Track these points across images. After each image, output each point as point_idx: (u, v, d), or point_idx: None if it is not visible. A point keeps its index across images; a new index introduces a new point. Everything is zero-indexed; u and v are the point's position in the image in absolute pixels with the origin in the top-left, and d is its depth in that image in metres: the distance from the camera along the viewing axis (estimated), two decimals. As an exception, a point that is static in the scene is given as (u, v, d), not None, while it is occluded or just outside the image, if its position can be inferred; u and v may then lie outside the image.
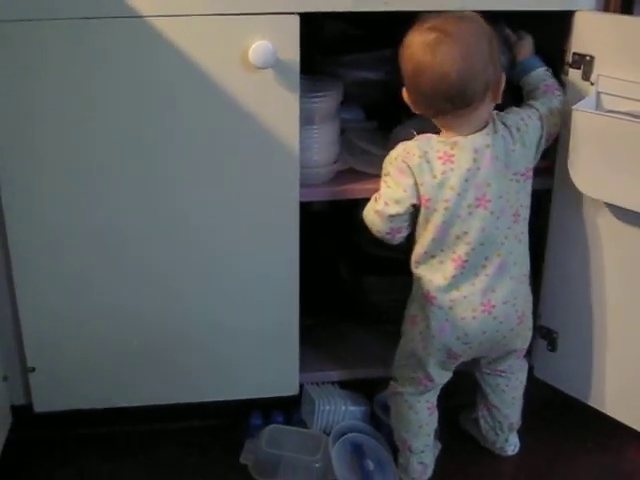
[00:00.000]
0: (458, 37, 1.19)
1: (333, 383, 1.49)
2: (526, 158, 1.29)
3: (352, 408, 1.45)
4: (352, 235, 1.65)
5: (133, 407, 1.42)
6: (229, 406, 1.46)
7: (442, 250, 1.27)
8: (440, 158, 1.25)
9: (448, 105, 1.22)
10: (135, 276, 1.34)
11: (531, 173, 1.30)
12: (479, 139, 1.25)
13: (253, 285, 1.37)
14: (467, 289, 1.27)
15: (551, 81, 1.34)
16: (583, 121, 1.24)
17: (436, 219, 1.26)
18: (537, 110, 1.31)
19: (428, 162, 1.25)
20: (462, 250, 1.26)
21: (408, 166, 1.25)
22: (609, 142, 1.21)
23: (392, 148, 1.30)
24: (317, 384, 1.48)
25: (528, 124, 1.29)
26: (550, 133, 1.31)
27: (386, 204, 1.28)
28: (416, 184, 1.25)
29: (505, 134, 1.26)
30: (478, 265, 1.27)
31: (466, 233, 1.25)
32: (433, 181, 1.25)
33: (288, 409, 1.48)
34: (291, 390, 1.45)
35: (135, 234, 1.31)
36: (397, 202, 1.27)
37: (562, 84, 1.34)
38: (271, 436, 1.38)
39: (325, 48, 1.55)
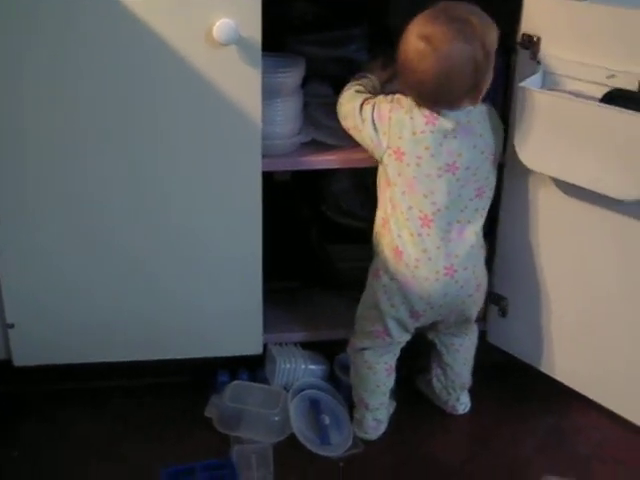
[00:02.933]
0: (443, 56, 1.27)
1: (295, 344, 1.57)
2: (498, 145, 1.39)
3: (312, 367, 1.53)
4: (319, 205, 1.72)
5: (108, 363, 1.51)
6: (198, 364, 1.55)
7: (410, 207, 1.35)
8: (425, 117, 1.33)
9: (428, 102, 1.32)
10: (106, 245, 1.42)
11: (497, 159, 1.40)
12: (462, 115, 1.34)
13: (219, 250, 1.45)
14: (432, 251, 1.36)
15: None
16: (528, 98, 1.31)
17: (407, 173, 1.35)
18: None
19: (412, 118, 1.34)
20: (428, 209, 1.35)
21: (389, 118, 1.35)
22: (552, 119, 1.29)
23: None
24: (280, 344, 1.56)
25: (501, 124, 1.40)
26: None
27: (364, 121, 1.38)
28: (382, 136, 1.35)
29: (486, 119, 1.36)
30: (442, 228, 1.36)
31: (432, 193, 1.34)
32: (412, 137, 1.34)
33: (253, 368, 1.57)
34: (255, 349, 1.53)
35: (101, 201, 1.39)
36: (375, 130, 1.37)
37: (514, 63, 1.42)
38: (234, 391, 1.47)
39: (295, 28, 1.63)
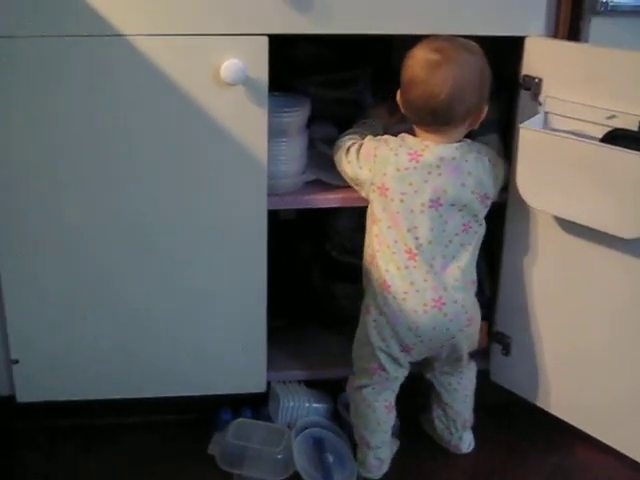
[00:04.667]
0: (456, 64, 1.32)
1: (299, 382, 1.57)
2: (490, 186, 1.41)
3: (315, 405, 1.53)
4: (324, 244, 1.74)
5: (110, 400, 1.51)
6: (201, 402, 1.54)
7: (396, 241, 1.38)
8: (409, 154, 1.37)
9: (429, 119, 1.35)
10: (106, 280, 1.43)
11: (489, 201, 1.41)
12: (448, 150, 1.37)
13: (224, 289, 1.46)
14: (420, 284, 1.37)
15: (502, 147, 1.47)
16: (528, 138, 1.33)
17: (392, 208, 1.38)
18: (495, 164, 1.43)
19: (396, 155, 1.38)
20: (412, 244, 1.37)
21: (374, 155, 1.39)
22: (552, 158, 1.31)
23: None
24: (284, 382, 1.56)
25: (494, 165, 1.42)
26: (500, 185, 1.44)
27: (349, 162, 1.43)
28: (367, 173, 1.40)
29: (478, 157, 1.39)
30: (427, 262, 1.38)
31: (416, 228, 1.37)
32: (396, 173, 1.37)
33: (256, 405, 1.56)
34: (259, 387, 1.53)
35: (103, 243, 1.40)
36: (360, 168, 1.42)
37: (517, 104, 1.44)
38: (237, 429, 1.47)
39: (300, 69, 1.66)
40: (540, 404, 1.53)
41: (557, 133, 1.30)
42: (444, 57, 1.32)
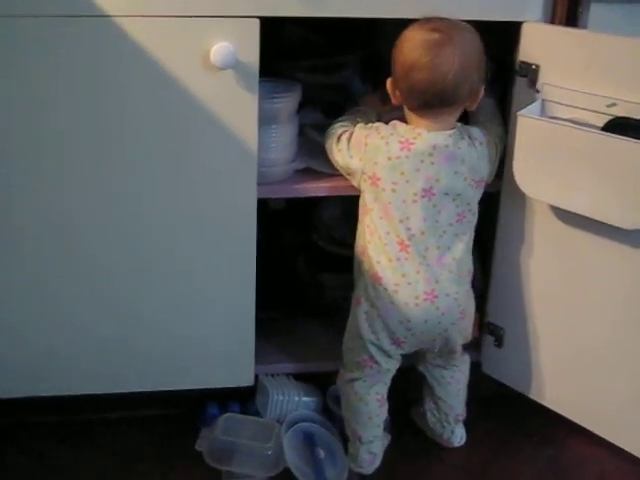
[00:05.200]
0: (458, 42, 1.28)
1: (287, 375, 1.54)
2: (484, 169, 1.37)
3: (305, 399, 1.50)
4: (311, 233, 1.70)
5: (94, 395, 1.47)
6: (187, 396, 1.50)
7: (388, 232, 1.34)
8: (400, 142, 1.33)
9: (436, 101, 1.30)
10: (91, 270, 1.38)
11: (484, 184, 1.38)
12: (441, 137, 1.33)
13: (211, 279, 1.42)
14: (412, 276, 1.34)
15: (498, 112, 1.44)
16: (526, 126, 1.30)
17: (383, 198, 1.34)
18: (489, 133, 1.39)
19: (387, 144, 1.33)
20: (404, 235, 1.34)
21: (365, 144, 1.34)
22: (552, 147, 1.28)
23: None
24: (272, 375, 1.52)
25: (488, 141, 1.38)
26: (499, 154, 1.40)
27: (339, 151, 1.39)
28: (358, 162, 1.35)
29: (470, 143, 1.35)
30: (420, 253, 1.34)
31: (408, 218, 1.33)
32: (387, 162, 1.33)
33: (244, 399, 1.52)
34: (247, 381, 1.49)
35: (91, 228, 1.35)
36: (350, 157, 1.37)
37: (512, 91, 1.41)
38: (226, 424, 1.43)
39: (287, 53, 1.61)
40: (533, 396, 1.51)
41: (556, 121, 1.28)
42: (445, 36, 1.28)
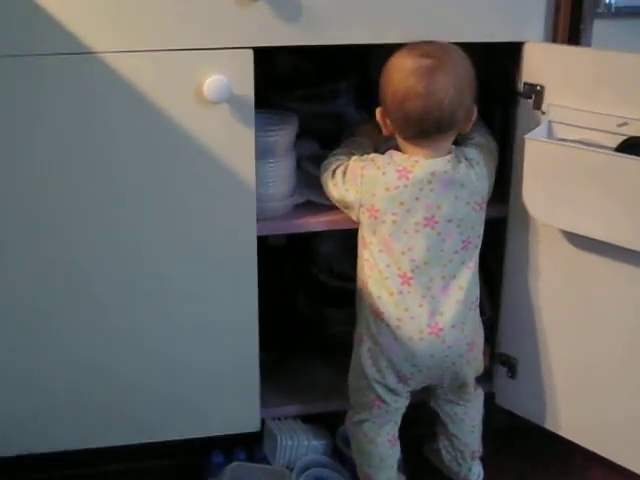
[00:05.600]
0: (451, 66, 1.23)
1: (295, 418, 1.47)
2: (484, 189, 1.32)
3: (315, 442, 1.43)
4: (310, 267, 1.64)
5: (91, 449, 1.39)
6: (190, 445, 1.43)
7: (388, 265, 1.29)
8: (398, 172, 1.27)
9: (433, 129, 1.25)
10: (86, 315, 1.31)
11: (485, 205, 1.33)
12: (439, 164, 1.28)
13: (211, 322, 1.35)
14: (415, 309, 1.29)
15: (484, 125, 1.39)
16: (535, 149, 1.25)
17: (383, 231, 1.28)
18: (481, 148, 1.34)
19: (384, 174, 1.28)
20: (407, 267, 1.28)
21: (361, 176, 1.29)
22: (560, 170, 1.23)
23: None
24: (279, 419, 1.46)
25: (484, 158, 1.32)
26: (494, 169, 1.35)
27: (335, 185, 1.33)
28: (355, 195, 1.30)
29: (468, 165, 1.29)
30: (424, 285, 1.29)
31: (411, 250, 1.28)
32: (385, 193, 1.27)
33: (250, 446, 1.46)
34: (253, 426, 1.43)
35: (88, 271, 1.29)
36: (346, 190, 1.32)
37: (514, 114, 1.37)
38: (233, 474, 1.36)
39: (278, 83, 1.56)
40: (550, 427, 1.45)
41: (567, 143, 1.23)
42: (437, 61, 1.23)
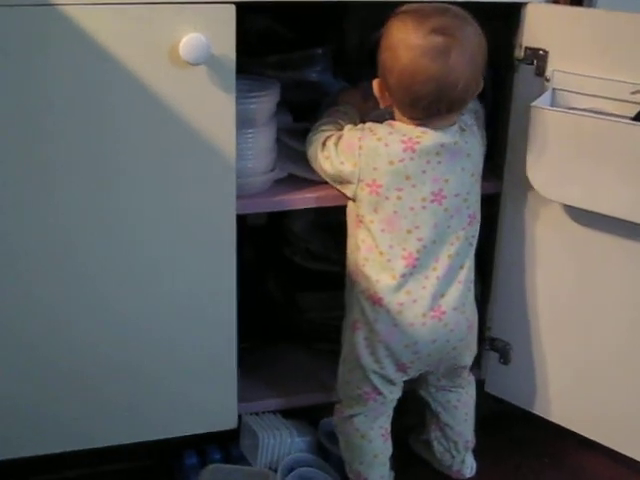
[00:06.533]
0: (466, 43, 1.12)
1: (274, 412, 1.36)
2: (482, 159, 1.23)
3: (298, 439, 1.32)
4: (282, 248, 1.52)
5: (60, 453, 1.24)
6: (161, 445, 1.30)
7: (391, 247, 1.18)
8: (403, 142, 1.16)
9: (444, 110, 1.15)
10: (53, 309, 1.17)
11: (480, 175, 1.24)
12: (448, 134, 1.18)
13: (185, 310, 1.22)
14: (417, 292, 1.19)
15: None
16: (542, 119, 1.16)
17: (387, 208, 1.17)
18: (475, 114, 1.25)
19: (387, 145, 1.17)
20: (413, 247, 1.18)
21: (359, 147, 1.17)
22: (572, 142, 1.14)
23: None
24: (257, 414, 1.34)
25: (476, 124, 1.23)
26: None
27: (327, 158, 1.21)
28: (352, 168, 1.18)
29: (470, 133, 1.20)
30: (429, 265, 1.19)
31: (418, 228, 1.18)
32: (389, 167, 1.16)
33: (225, 444, 1.34)
34: (229, 423, 1.30)
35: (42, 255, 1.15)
36: (341, 163, 1.20)
37: (510, 81, 1.27)
38: (212, 477, 1.23)
39: (248, 48, 1.42)
40: (543, 414, 1.37)
41: (583, 112, 1.13)
42: (451, 39, 1.11)
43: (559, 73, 1.19)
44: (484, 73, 1.17)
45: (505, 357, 1.38)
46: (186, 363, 1.25)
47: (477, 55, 1.13)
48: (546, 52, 1.20)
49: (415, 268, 1.18)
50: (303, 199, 1.26)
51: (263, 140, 1.24)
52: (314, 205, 1.26)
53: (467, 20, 1.14)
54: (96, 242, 1.15)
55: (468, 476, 1.36)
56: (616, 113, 1.14)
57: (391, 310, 1.19)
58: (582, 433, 1.35)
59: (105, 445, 1.26)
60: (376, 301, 1.19)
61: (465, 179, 1.19)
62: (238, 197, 1.20)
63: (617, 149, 1.10)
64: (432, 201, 1.17)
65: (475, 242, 1.24)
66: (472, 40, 1.13)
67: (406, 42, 1.12)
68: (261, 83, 1.25)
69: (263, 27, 1.45)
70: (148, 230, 1.17)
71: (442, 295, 1.20)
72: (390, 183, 1.17)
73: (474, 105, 1.25)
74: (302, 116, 1.42)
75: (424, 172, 1.17)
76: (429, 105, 1.14)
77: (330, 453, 1.33)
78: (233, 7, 1.09)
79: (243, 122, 1.19)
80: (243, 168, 1.21)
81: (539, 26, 1.20)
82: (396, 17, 1.15)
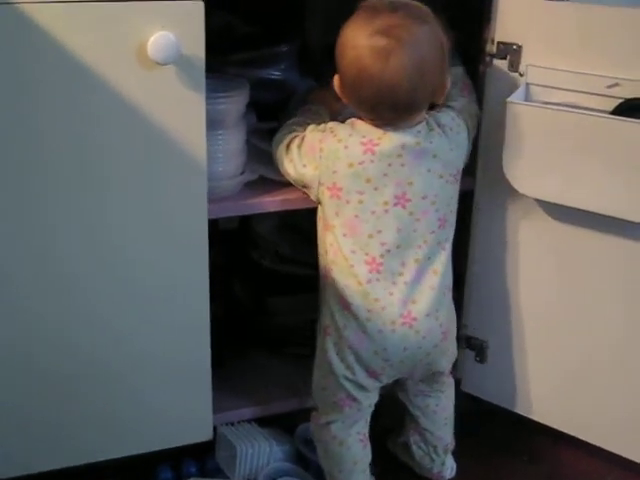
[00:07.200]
0: (410, 44, 1.08)
1: (250, 421, 1.32)
2: (458, 159, 1.20)
3: (277, 448, 1.28)
4: (249, 251, 1.48)
5: (26, 475, 1.19)
6: (133, 461, 1.25)
7: (354, 252, 1.15)
8: (363, 144, 1.13)
9: (390, 114, 1.12)
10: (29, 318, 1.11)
11: (459, 176, 1.21)
12: (409, 135, 1.14)
13: (157, 316, 1.18)
14: (385, 298, 1.15)
15: (468, 82, 1.26)
16: (518, 114, 1.15)
17: (347, 212, 1.14)
18: (459, 111, 1.22)
19: (346, 147, 1.13)
20: (376, 251, 1.15)
21: (320, 149, 1.15)
22: (550, 137, 1.13)
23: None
24: (232, 424, 1.30)
25: (459, 124, 1.20)
26: (472, 135, 1.23)
27: (291, 161, 1.19)
28: (313, 171, 1.16)
29: (441, 133, 1.16)
30: (395, 271, 1.16)
31: (380, 232, 1.15)
32: (348, 170, 1.13)
33: (200, 456, 1.29)
34: (205, 435, 1.26)
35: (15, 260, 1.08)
36: (304, 166, 1.18)
37: (482, 76, 1.25)
38: (191, 493, 1.19)
39: (211, 45, 1.38)
40: (521, 411, 1.36)
41: (561, 107, 1.12)
42: (394, 40, 1.08)
43: (533, 68, 1.18)
44: (446, 71, 1.14)
45: (481, 355, 1.37)
46: (158, 373, 1.21)
47: (427, 55, 1.10)
48: (519, 46, 1.18)
49: (380, 273, 1.15)
50: (274, 202, 1.22)
51: (233, 141, 1.20)
52: (286, 208, 1.23)
53: (421, 19, 1.11)
54: (65, 245, 1.10)
55: (448, 477, 1.33)
56: (592, 107, 1.13)
57: (359, 316, 1.16)
58: (560, 429, 1.34)
59: (72, 465, 1.21)
60: (345, 307, 1.16)
61: (433, 181, 1.16)
62: (209, 201, 1.15)
63: (596, 144, 1.10)
64: (395, 204, 1.14)
65: (449, 246, 1.20)
66: (421, 40, 1.10)
67: (353, 41, 1.10)
68: (230, 82, 1.21)
69: (224, 24, 1.40)
70: (118, 235, 1.11)
71: (413, 301, 1.17)
72: (350, 186, 1.14)
73: (458, 103, 1.22)
74: (267, 115, 1.38)
75: (385, 175, 1.14)
76: (374, 107, 1.12)
77: (310, 461, 1.30)
78: (202, 4, 1.05)
79: (212, 123, 1.15)
80: (214, 171, 1.17)
81: (511, 19, 1.19)
82: (356, 12, 1.12)
